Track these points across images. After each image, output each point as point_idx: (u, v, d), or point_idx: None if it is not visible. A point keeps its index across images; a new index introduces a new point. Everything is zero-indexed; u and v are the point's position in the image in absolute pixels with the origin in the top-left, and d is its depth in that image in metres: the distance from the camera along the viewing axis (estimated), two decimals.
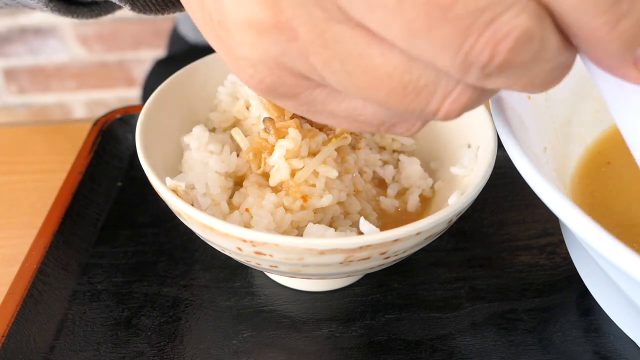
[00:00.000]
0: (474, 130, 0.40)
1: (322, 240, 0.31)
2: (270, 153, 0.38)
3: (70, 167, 0.49)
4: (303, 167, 0.37)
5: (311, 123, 0.39)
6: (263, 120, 0.38)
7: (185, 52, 0.88)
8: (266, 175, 0.39)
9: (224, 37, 0.25)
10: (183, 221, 0.35)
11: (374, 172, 0.42)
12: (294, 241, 0.31)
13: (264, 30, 0.23)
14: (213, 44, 0.26)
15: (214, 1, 0.24)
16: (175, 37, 0.92)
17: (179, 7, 0.41)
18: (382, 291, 0.41)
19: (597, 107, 0.43)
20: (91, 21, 1.30)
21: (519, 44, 0.20)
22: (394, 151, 0.45)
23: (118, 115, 0.54)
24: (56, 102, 1.48)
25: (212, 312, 0.40)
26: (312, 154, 0.38)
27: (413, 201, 0.41)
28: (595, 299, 0.37)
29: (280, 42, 0.23)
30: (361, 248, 0.31)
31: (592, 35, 0.20)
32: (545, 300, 0.41)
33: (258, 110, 0.41)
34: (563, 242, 0.41)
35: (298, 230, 0.37)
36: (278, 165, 0.37)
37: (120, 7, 0.43)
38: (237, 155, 0.40)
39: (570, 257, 0.39)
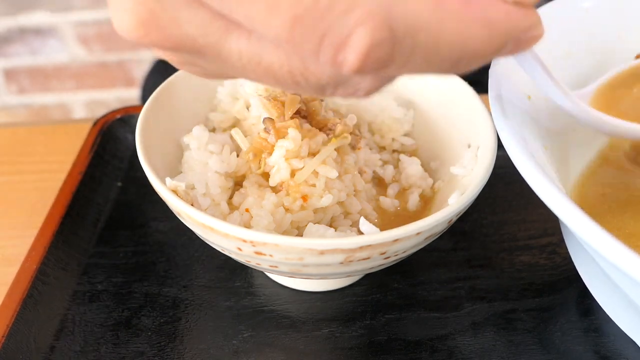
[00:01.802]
0: (474, 130, 0.40)
1: (322, 240, 0.31)
2: (270, 153, 0.38)
3: (70, 167, 0.49)
4: (303, 167, 0.37)
5: (311, 123, 0.39)
6: (263, 121, 0.38)
7: None
8: (266, 176, 0.39)
9: None
10: (183, 221, 0.35)
11: (374, 172, 0.42)
12: (294, 241, 0.31)
13: None
14: None
15: None
16: None
17: None
18: (382, 291, 0.41)
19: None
20: (91, 21, 1.31)
21: (368, 53, 0.20)
22: (394, 151, 0.45)
23: (118, 116, 0.54)
24: (56, 102, 1.48)
25: (212, 312, 0.40)
26: (312, 154, 0.38)
27: (413, 201, 0.41)
28: (595, 299, 0.37)
29: None
30: (361, 248, 0.31)
31: None
32: (545, 300, 0.41)
33: (258, 110, 0.41)
34: (563, 242, 0.41)
35: (298, 230, 0.37)
36: (278, 165, 0.37)
37: None
38: (237, 155, 0.40)
39: (570, 257, 0.39)
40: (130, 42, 0.24)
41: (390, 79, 0.23)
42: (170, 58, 0.26)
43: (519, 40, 0.22)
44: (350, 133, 0.40)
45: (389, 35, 0.20)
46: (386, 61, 0.20)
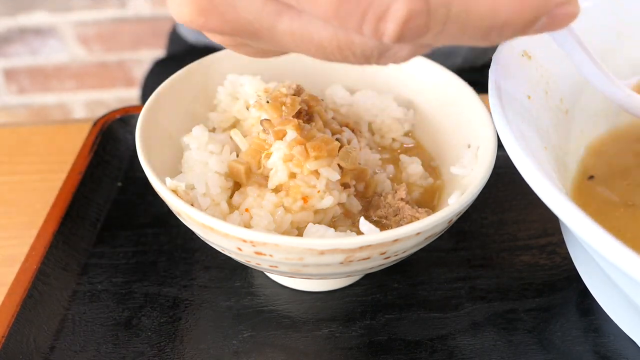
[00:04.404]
0: (474, 130, 0.40)
1: (322, 240, 0.31)
2: (269, 154, 0.38)
3: (70, 167, 0.49)
4: (302, 170, 0.37)
5: (316, 124, 0.39)
6: (261, 122, 0.38)
7: (184, 52, 0.88)
8: (265, 177, 0.39)
9: None
10: (183, 221, 0.35)
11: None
12: (294, 241, 0.31)
13: None
14: None
15: None
16: (175, 38, 0.92)
17: None
18: (382, 291, 0.41)
19: (598, 107, 0.43)
20: (91, 21, 1.31)
21: (406, 23, 0.22)
22: (394, 151, 0.45)
23: (118, 116, 0.54)
24: (56, 102, 1.48)
25: (212, 312, 0.40)
26: (315, 157, 0.37)
27: None
28: (595, 299, 0.37)
29: None
30: (361, 248, 0.31)
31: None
32: (545, 300, 0.41)
33: (258, 111, 0.41)
34: (563, 242, 0.41)
35: (298, 230, 0.37)
36: (276, 167, 0.37)
37: None
38: (237, 156, 0.40)
39: (570, 257, 0.39)
40: (192, 28, 0.26)
41: (426, 47, 0.26)
42: (224, 42, 0.28)
43: (553, 16, 0.23)
44: (352, 130, 0.40)
45: (424, 6, 0.22)
46: (422, 30, 0.22)
